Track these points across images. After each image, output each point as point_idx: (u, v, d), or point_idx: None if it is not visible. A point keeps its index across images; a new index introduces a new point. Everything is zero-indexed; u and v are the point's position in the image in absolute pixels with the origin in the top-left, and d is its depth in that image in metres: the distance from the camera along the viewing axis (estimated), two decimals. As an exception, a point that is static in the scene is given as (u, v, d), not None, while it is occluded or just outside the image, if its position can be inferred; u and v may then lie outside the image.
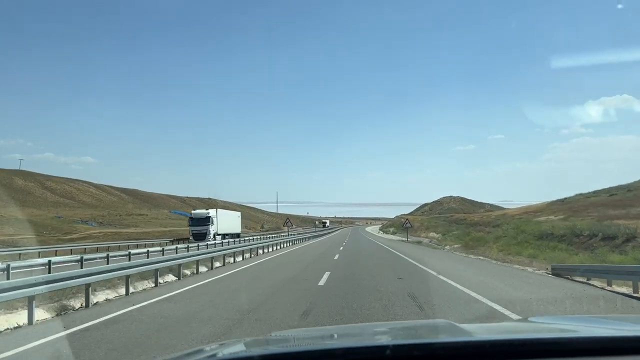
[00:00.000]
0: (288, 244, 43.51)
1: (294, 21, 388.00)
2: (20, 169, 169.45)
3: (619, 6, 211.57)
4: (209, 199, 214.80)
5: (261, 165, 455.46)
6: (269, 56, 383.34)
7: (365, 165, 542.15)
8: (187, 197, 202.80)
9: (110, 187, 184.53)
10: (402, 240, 48.51)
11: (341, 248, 37.07)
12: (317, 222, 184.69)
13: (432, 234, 48.87)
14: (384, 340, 2.25)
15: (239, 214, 64.76)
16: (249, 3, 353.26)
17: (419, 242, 41.56)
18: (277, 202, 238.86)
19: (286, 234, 64.44)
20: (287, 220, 56.78)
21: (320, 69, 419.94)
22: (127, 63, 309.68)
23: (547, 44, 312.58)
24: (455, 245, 32.50)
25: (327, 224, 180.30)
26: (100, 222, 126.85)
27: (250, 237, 49.71)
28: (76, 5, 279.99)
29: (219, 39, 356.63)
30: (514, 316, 8.59)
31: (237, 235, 54.50)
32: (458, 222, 61.36)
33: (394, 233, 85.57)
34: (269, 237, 50.50)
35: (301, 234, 63.43)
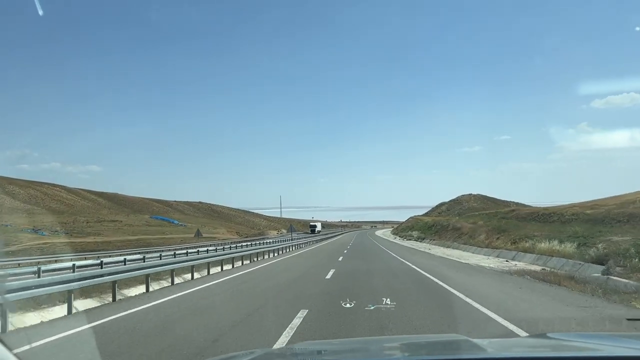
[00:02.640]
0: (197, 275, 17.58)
1: (299, 26, 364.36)
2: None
3: (637, 28, 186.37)
4: (200, 202, 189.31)
5: (266, 171, 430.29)
6: (273, 61, 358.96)
7: (371, 169, 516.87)
8: (174, 201, 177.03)
9: (87, 191, 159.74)
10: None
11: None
12: (306, 226, 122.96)
13: (556, 247, 19.52)
14: (407, 356, 2.14)
15: None
16: (255, 9, 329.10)
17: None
18: (280, 207, 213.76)
19: (246, 244, 37.15)
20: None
21: (325, 72, 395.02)
22: (130, 70, 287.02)
23: (550, 46, 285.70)
24: None
25: (318, 229, 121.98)
26: (56, 231, 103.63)
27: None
28: (79, 18, 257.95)
29: (222, 44, 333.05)
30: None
31: None
32: (540, 220, 35.04)
33: (419, 239, 58.87)
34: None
35: (255, 248, 29.37)
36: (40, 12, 39.33)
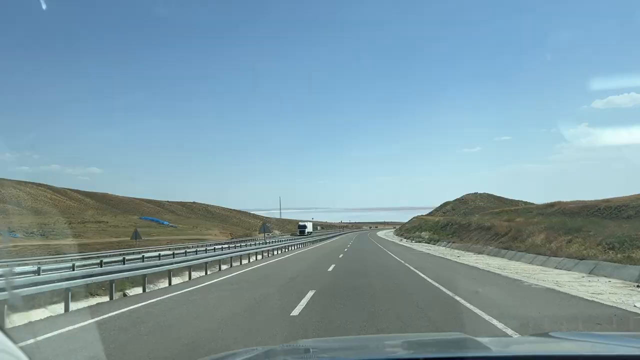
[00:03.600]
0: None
1: (299, 26, 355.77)
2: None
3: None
4: (193, 202, 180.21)
5: (266, 172, 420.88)
6: (271, 61, 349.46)
7: (371, 170, 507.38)
8: (167, 201, 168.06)
9: (74, 191, 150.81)
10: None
11: None
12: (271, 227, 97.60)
13: None
14: (412, 353, 2.10)
15: None
16: (254, 9, 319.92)
17: None
18: (280, 209, 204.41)
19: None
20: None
21: (325, 72, 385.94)
22: (130, 69, 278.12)
23: (547, 44, 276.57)
24: None
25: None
26: (32, 233, 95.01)
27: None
28: (78, 18, 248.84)
29: (221, 44, 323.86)
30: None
31: None
32: (604, 215, 26.24)
33: (432, 241, 49.97)
34: None
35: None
36: (44, 7, 32.18)
